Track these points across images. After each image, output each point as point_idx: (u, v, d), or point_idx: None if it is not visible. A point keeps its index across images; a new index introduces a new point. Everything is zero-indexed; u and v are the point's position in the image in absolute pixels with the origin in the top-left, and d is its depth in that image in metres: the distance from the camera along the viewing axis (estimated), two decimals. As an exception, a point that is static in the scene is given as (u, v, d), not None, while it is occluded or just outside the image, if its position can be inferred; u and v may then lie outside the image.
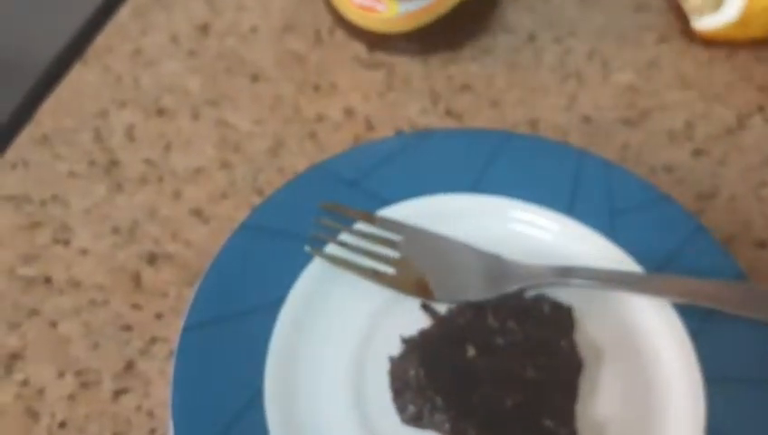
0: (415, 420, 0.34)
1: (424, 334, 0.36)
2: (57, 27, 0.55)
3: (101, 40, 0.49)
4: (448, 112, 0.46)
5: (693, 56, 0.48)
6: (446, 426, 0.33)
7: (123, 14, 0.51)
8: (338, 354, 0.35)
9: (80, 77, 0.48)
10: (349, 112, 0.46)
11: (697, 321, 0.35)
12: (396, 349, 0.35)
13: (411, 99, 0.46)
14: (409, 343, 0.35)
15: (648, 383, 0.35)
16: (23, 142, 0.44)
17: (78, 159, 0.44)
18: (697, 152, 0.44)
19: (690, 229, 0.38)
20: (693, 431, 0.33)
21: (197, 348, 0.34)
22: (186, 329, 0.34)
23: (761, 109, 0.46)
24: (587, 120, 0.45)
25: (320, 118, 0.45)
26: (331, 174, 0.39)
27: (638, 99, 0.46)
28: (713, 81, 0.47)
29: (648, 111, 0.46)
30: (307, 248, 0.37)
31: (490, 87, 0.47)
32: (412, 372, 0.34)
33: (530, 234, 0.39)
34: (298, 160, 0.43)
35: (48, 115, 0.45)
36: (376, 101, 0.46)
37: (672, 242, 0.38)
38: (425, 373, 0.34)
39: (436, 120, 0.45)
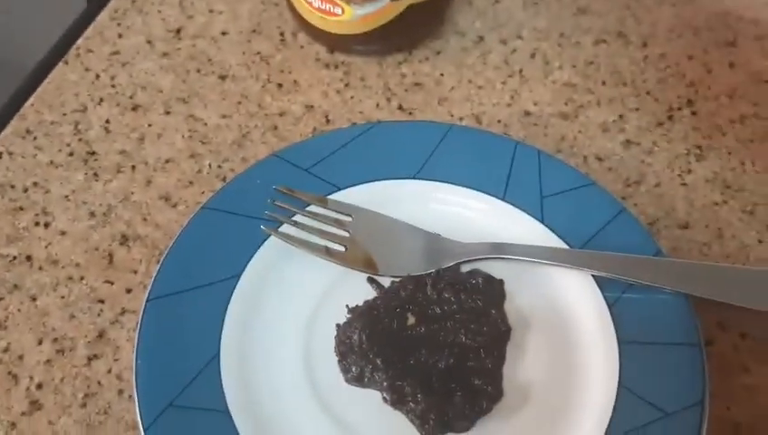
0: (357, 380, 0.37)
1: (368, 304, 0.39)
2: (44, 31, 0.59)
3: (82, 42, 0.53)
4: (400, 108, 0.49)
5: (629, 56, 0.52)
6: (385, 384, 0.37)
7: (103, 17, 0.55)
8: (290, 323, 0.39)
9: (62, 76, 0.51)
10: (309, 108, 0.49)
11: (615, 291, 0.39)
12: (343, 318, 0.39)
13: (366, 95, 0.50)
14: (355, 312, 0.39)
15: (570, 348, 0.39)
16: (8, 135, 0.48)
17: (58, 149, 0.47)
18: (628, 143, 0.48)
19: (614, 211, 0.42)
20: (608, 389, 0.37)
21: (159, 317, 0.38)
22: (149, 300, 0.38)
23: (689, 102, 0.50)
24: (527, 114, 0.49)
25: (282, 113, 0.49)
26: (287, 161, 0.43)
27: (576, 95, 0.50)
28: (646, 77, 0.51)
29: (584, 106, 0.49)
30: (263, 227, 0.41)
31: (439, 85, 0.51)
32: (355, 337, 0.38)
33: (467, 215, 0.43)
34: (261, 151, 0.47)
35: (32, 111, 0.49)
36: (334, 97, 0.50)
37: (596, 223, 0.41)
38: (366, 337, 0.38)
39: (388, 115, 0.49)
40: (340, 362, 0.38)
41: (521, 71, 0.51)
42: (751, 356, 0.40)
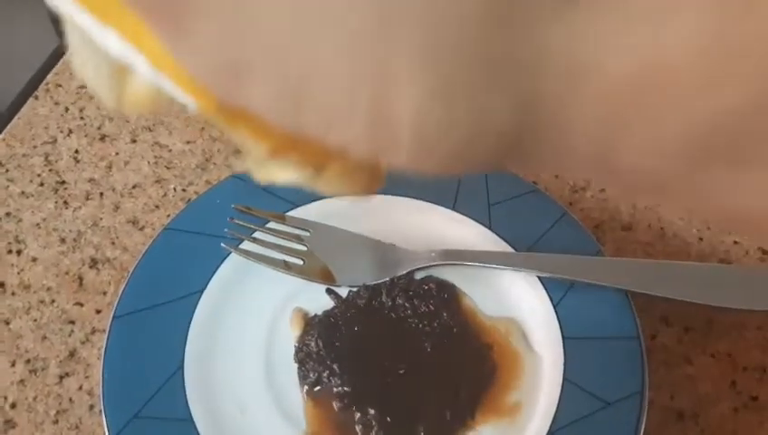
0: (315, 386, 0.39)
1: (326, 313, 0.41)
2: (16, 72, 0.62)
3: (51, 77, 0.56)
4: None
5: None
6: (341, 389, 0.38)
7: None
8: (252, 334, 0.41)
9: (32, 110, 0.54)
10: (269, 131, 0.52)
11: (560, 291, 0.41)
12: (302, 328, 0.41)
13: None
14: (313, 321, 0.41)
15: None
16: (-20, 169, 0.50)
17: (29, 180, 0.49)
18: (574, 151, 0.50)
19: (557, 215, 0.44)
20: (554, 382, 0.39)
21: (125, 333, 0.39)
22: (115, 317, 0.40)
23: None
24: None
25: (243, 136, 0.51)
26: (247, 182, 0.45)
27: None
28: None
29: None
30: (223, 245, 0.43)
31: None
32: (313, 344, 0.40)
33: (420, 225, 0.45)
34: (223, 173, 0.49)
35: (3, 145, 0.51)
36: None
37: (541, 227, 0.43)
38: (323, 344, 0.40)
39: (345, 134, 0.51)
40: (299, 369, 0.40)
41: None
42: (693, 348, 0.42)
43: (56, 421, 0.40)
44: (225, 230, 0.43)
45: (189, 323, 0.41)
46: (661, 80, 0.14)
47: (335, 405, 0.38)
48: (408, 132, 0.15)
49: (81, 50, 0.18)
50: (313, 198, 0.45)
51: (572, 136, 0.15)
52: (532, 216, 0.44)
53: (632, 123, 0.15)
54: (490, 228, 0.44)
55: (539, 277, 0.41)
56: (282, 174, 0.19)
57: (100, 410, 0.40)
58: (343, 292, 0.43)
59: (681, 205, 0.18)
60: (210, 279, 0.42)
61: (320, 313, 0.42)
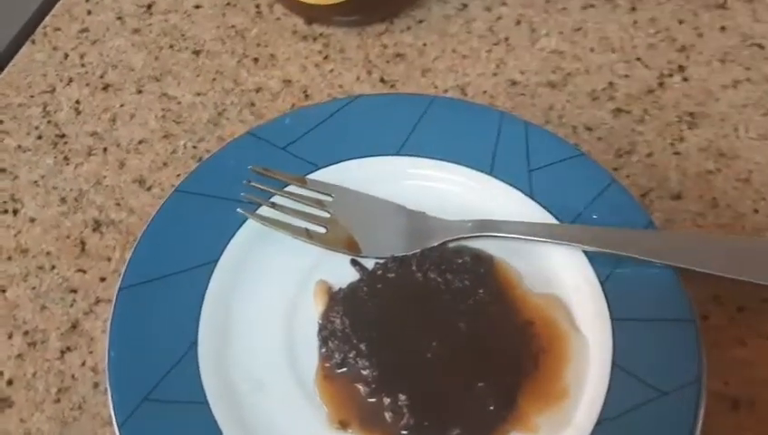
0: (340, 366, 0.36)
1: (351, 287, 0.38)
2: (12, 14, 0.57)
3: (50, 20, 0.51)
4: (382, 80, 0.48)
5: (617, 20, 0.50)
6: (369, 372, 0.35)
7: (71, -6, 0.52)
8: (270, 309, 0.38)
9: (29, 56, 0.49)
10: (287, 82, 0.48)
11: (607, 267, 0.38)
12: (325, 303, 0.37)
13: (346, 68, 0.48)
14: (337, 296, 0.38)
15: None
16: (-27, 120, 0.46)
17: (26, 133, 0.45)
18: (618, 111, 0.46)
19: (604, 183, 0.40)
20: (602, 368, 0.35)
21: (132, 306, 0.36)
22: (121, 289, 0.36)
23: (681, 68, 0.48)
24: (513, 83, 0.47)
25: (259, 88, 0.47)
26: (263, 140, 0.41)
27: (563, 62, 0.48)
28: (635, 43, 0.49)
29: (573, 74, 0.48)
30: (239, 210, 0.39)
31: (422, 55, 0.49)
32: (338, 322, 0.36)
33: (453, 191, 0.41)
34: (237, 129, 0.45)
35: (-3, 93, 0.47)
36: (313, 71, 0.48)
37: (586, 196, 0.40)
38: (350, 322, 0.36)
39: (369, 88, 0.47)
40: (322, 347, 0.36)
41: (506, 39, 0.49)
42: (747, 329, 0.39)
43: (58, 400, 0.36)
44: (242, 194, 0.39)
45: (202, 296, 0.37)
46: None
47: (361, 389, 0.35)
48: None
49: None
50: (337, 158, 0.41)
51: None
52: (576, 183, 0.40)
53: None
54: (531, 196, 0.40)
55: (584, 252, 0.38)
56: None
57: (106, 389, 0.36)
58: (369, 263, 0.39)
59: None
60: (225, 248, 0.38)
61: (344, 286, 0.38)
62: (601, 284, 0.37)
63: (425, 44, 0.49)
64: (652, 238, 0.38)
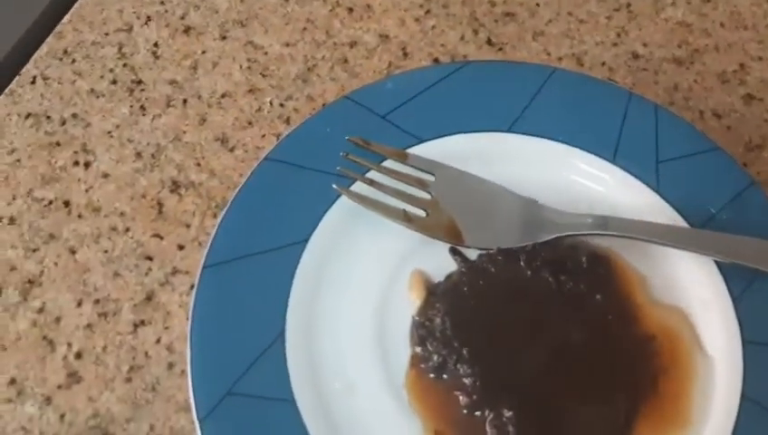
0: (437, 371, 0.33)
1: (452, 281, 0.34)
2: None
3: (126, -52, 0.47)
4: (489, 42, 0.43)
5: (754, -9, 0.45)
6: (471, 381, 0.32)
7: None
8: (361, 298, 0.34)
9: (103, -12, 0.45)
10: (383, 38, 0.43)
11: (742, 281, 0.34)
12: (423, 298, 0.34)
13: (450, 26, 0.44)
14: (437, 290, 0.34)
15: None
16: (42, 56, 0.42)
17: (100, 75, 0.42)
18: (749, 98, 0.41)
19: (742, 185, 0.36)
20: (730, 395, 0.32)
21: (218, 287, 0.33)
22: (206, 266, 0.33)
23: (824, 52, 0.43)
24: (635, 56, 0.42)
25: (353, 43, 0.43)
26: (362, 106, 0.37)
27: (691, 37, 0.43)
28: (774, 19, 0.44)
29: (701, 51, 0.43)
30: (334, 186, 0.35)
31: (534, 16, 0.44)
32: (438, 321, 0.33)
33: (570, 179, 0.37)
34: (328, 88, 0.41)
35: (69, 28, 0.43)
36: (412, 26, 0.44)
37: (721, 197, 0.35)
38: (451, 323, 0.33)
39: (475, 50, 0.43)
40: (418, 347, 0.33)
41: (628, 5, 0.44)
42: None
43: (129, 379, 0.34)
44: (338, 168, 0.35)
45: (291, 279, 0.34)
46: None
47: (461, 399, 0.32)
48: None
49: None
50: (441, 132, 0.37)
51: None
52: (710, 181, 0.36)
53: None
54: (657, 192, 0.36)
55: (716, 262, 0.34)
56: None
57: (182, 371, 0.34)
58: (471, 253, 0.35)
59: None
60: (315, 227, 0.35)
61: (441, 278, 0.35)
62: (734, 300, 0.33)
63: (537, 4, 0.44)
64: (798, 254, 0.33)
